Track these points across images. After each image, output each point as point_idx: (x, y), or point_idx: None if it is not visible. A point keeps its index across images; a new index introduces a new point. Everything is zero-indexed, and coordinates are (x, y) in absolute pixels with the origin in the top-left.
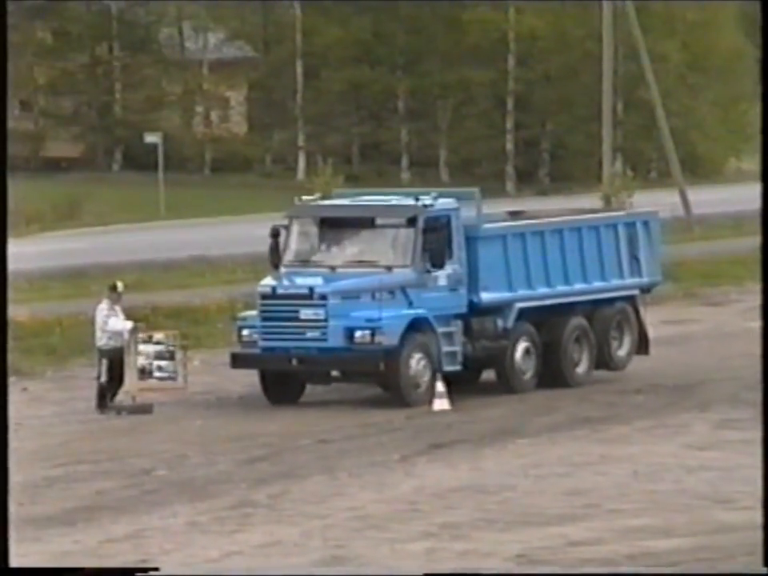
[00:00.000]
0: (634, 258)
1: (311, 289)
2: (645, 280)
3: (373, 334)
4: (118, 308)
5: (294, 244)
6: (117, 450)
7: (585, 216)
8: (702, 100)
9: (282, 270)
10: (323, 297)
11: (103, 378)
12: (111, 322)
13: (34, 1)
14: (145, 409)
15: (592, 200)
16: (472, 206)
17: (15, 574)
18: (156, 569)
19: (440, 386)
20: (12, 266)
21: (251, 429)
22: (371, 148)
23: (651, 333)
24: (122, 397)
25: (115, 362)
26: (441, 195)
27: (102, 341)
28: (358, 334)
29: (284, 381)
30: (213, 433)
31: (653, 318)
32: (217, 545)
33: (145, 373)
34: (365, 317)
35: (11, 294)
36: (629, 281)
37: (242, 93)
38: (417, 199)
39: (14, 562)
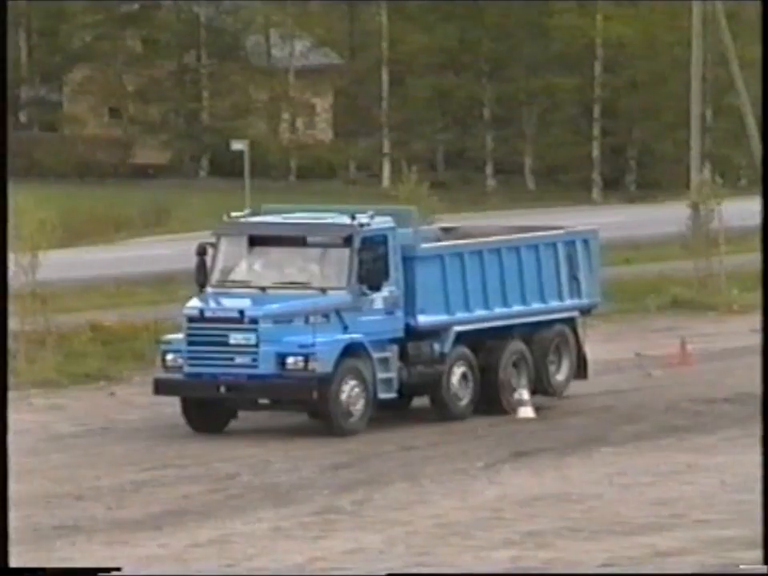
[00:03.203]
0: (574, 279)
1: (242, 312)
2: (584, 301)
3: (306, 361)
4: None
5: (221, 263)
6: (202, 455)
7: (523, 235)
8: None
9: (209, 290)
10: (254, 320)
11: None
12: None
13: (127, 7)
14: None
15: (680, 208)
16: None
17: (15, 573)
18: (118, 569)
19: (525, 394)
20: (101, 271)
21: (333, 436)
22: (456, 155)
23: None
24: None
25: None
26: (377, 213)
27: None
28: (290, 360)
29: (209, 408)
30: (296, 439)
31: (742, 326)
32: (300, 550)
33: None
34: (297, 342)
35: (99, 300)
36: (568, 302)
37: (327, 100)
38: (353, 218)
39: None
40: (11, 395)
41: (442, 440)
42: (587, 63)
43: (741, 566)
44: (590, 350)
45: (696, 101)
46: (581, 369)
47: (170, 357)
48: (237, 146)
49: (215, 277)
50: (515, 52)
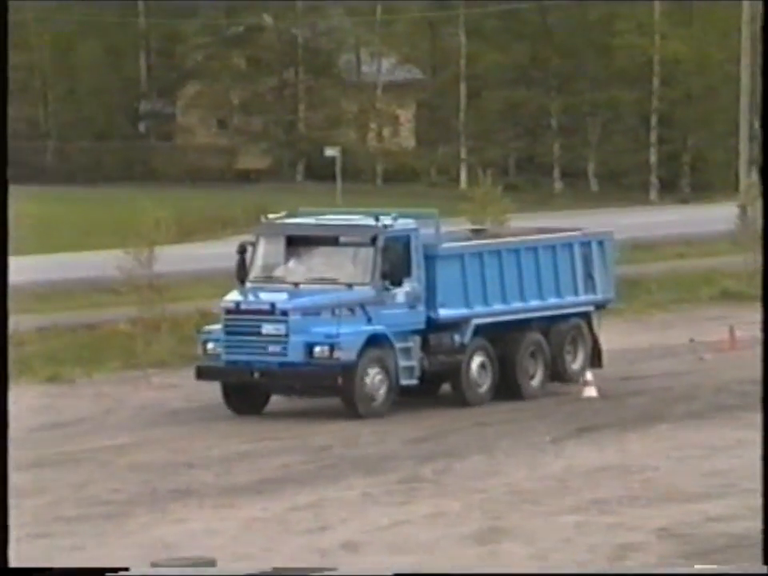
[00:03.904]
0: (589, 276)
1: (273, 305)
2: (599, 297)
3: (331, 350)
4: None
5: (259, 260)
6: (299, 430)
7: (541, 236)
8: None
9: (248, 285)
10: (284, 312)
11: None
12: None
13: (233, 30)
14: None
15: (730, 208)
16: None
17: (15, 573)
18: (126, 568)
19: (588, 375)
20: (210, 264)
21: (415, 412)
22: (526, 161)
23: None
24: None
25: None
26: (401, 216)
27: None
28: (317, 349)
29: (247, 392)
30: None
31: None
32: (387, 514)
33: None
34: (324, 332)
35: (208, 289)
36: (583, 298)
37: (410, 111)
38: (377, 219)
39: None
40: (131, 374)
41: (512, 417)
42: (646, 78)
43: (742, 566)
44: (645, 337)
45: (744, 112)
46: (595, 358)
47: (209, 345)
48: (330, 152)
49: (254, 273)
50: (580, 68)
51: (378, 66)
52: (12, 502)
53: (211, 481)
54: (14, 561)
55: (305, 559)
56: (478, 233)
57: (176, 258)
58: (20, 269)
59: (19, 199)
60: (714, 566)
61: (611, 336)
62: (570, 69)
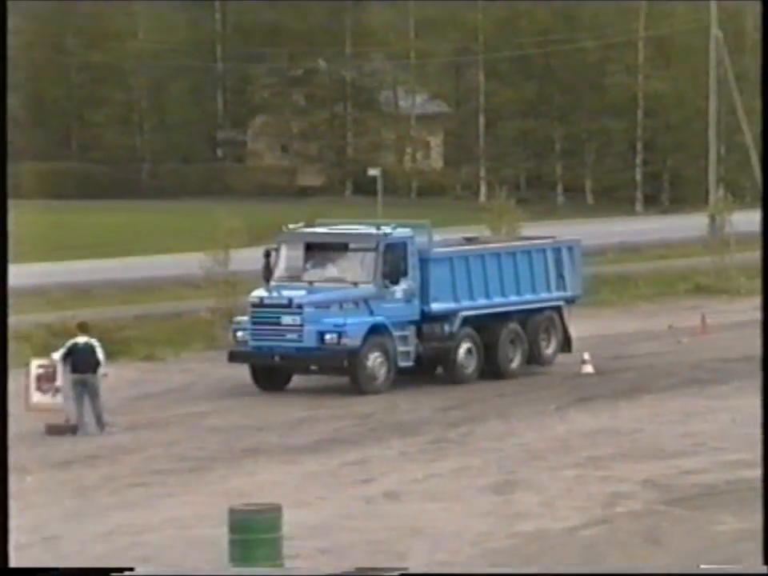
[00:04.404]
0: (560, 276)
1: (290, 300)
2: (568, 293)
3: (339, 337)
4: None
5: (281, 263)
6: (347, 400)
7: (519, 243)
8: None
9: (272, 283)
10: (300, 306)
11: None
12: None
13: (293, 72)
14: None
15: (701, 218)
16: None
17: (15, 573)
18: (131, 569)
19: (586, 356)
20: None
21: (444, 385)
22: (535, 178)
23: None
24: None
25: None
26: (399, 226)
27: None
28: (327, 336)
29: (271, 373)
30: (417, 388)
31: (747, 306)
32: (420, 469)
33: None
34: (333, 323)
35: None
36: (555, 294)
37: (439, 138)
38: (378, 228)
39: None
40: (211, 354)
41: (525, 389)
42: (632, 110)
43: (741, 566)
44: (632, 324)
45: (713, 139)
46: (566, 345)
47: (239, 334)
48: (372, 172)
49: (276, 274)
50: (578, 102)
51: (413, 100)
52: (114, 458)
53: (276, 441)
54: (15, 560)
55: (353, 506)
56: (470, 240)
57: (246, 259)
58: (120, 268)
59: (118, 211)
60: (715, 566)
61: (604, 323)
62: (570, 103)
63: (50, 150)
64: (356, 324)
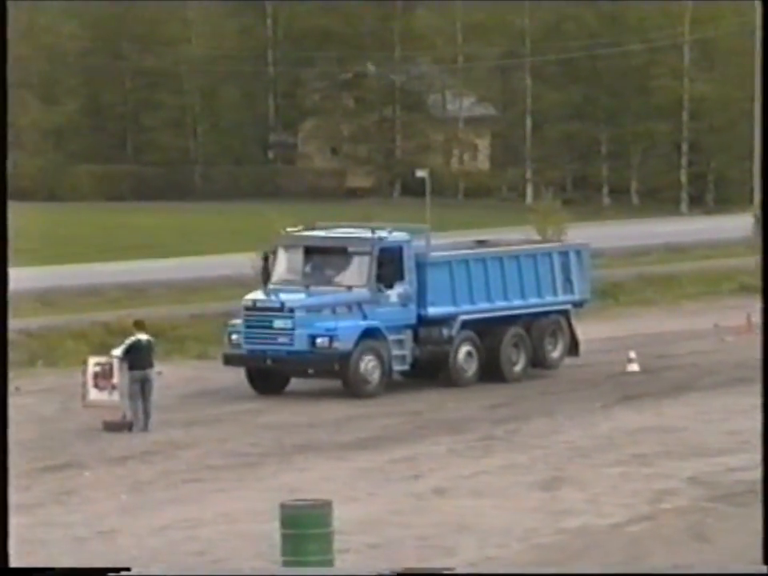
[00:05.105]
0: (568, 280)
1: (282, 303)
2: (576, 297)
3: (331, 340)
4: None
5: (278, 266)
6: (396, 398)
7: (523, 246)
8: None
9: (270, 286)
10: (291, 310)
11: None
12: None
13: (343, 76)
14: None
15: (746, 218)
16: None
17: (15, 574)
18: (128, 569)
19: (632, 354)
20: None
21: (490, 383)
22: (580, 180)
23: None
24: None
25: None
26: (396, 230)
27: None
28: (318, 340)
29: (268, 375)
30: (462, 386)
31: None
32: (468, 466)
33: None
34: (325, 326)
35: None
36: (562, 298)
37: (486, 140)
38: (373, 232)
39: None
40: None
41: (570, 388)
42: (677, 113)
43: (741, 566)
44: (677, 323)
45: (758, 140)
46: (573, 348)
47: (234, 337)
48: (420, 174)
49: (274, 277)
50: (624, 105)
51: (460, 103)
52: (168, 453)
53: (326, 437)
54: (14, 560)
55: (402, 501)
56: (481, 243)
57: None
58: (174, 268)
59: (172, 213)
60: (714, 566)
61: (649, 322)
62: (616, 105)
63: (106, 153)
64: (348, 328)
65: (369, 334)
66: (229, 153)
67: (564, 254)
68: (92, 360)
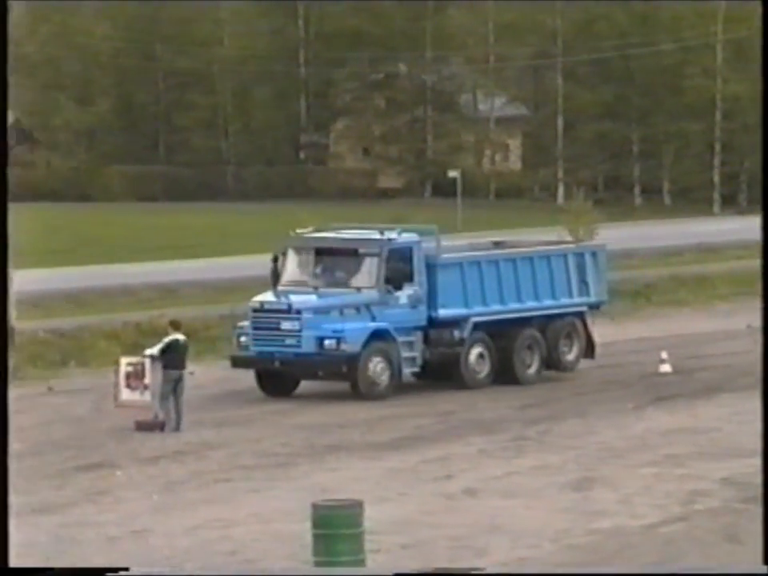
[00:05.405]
0: (583, 282)
1: (290, 305)
2: (592, 299)
3: (338, 342)
4: None
5: (287, 268)
6: (428, 398)
7: (538, 248)
8: None
9: (279, 288)
10: (298, 311)
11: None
12: None
13: (375, 77)
14: None
15: None
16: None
17: (15, 573)
18: (126, 568)
19: (664, 355)
20: None
21: (521, 384)
22: (612, 180)
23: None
24: None
25: None
26: (405, 231)
27: None
28: (326, 342)
29: (276, 378)
30: (495, 386)
31: None
32: (500, 466)
33: None
34: (332, 328)
35: None
36: (577, 299)
37: (517, 140)
38: (382, 233)
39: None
40: None
41: (603, 388)
42: (710, 112)
43: (741, 566)
44: (710, 324)
45: (760, 140)
46: (589, 351)
47: (242, 339)
48: (452, 174)
49: (284, 279)
50: (656, 104)
51: (491, 103)
52: (200, 453)
53: (358, 438)
54: (14, 560)
55: (434, 502)
56: (498, 244)
57: None
58: (206, 268)
59: (203, 213)
60: (715, 565)
61: (681, 323)
62: (648, 105)
63: (138, 153)
64: (356, 330)
65: (377, 335)
66: (260, 153)
67: (579, 256)
68: (124, 360)
